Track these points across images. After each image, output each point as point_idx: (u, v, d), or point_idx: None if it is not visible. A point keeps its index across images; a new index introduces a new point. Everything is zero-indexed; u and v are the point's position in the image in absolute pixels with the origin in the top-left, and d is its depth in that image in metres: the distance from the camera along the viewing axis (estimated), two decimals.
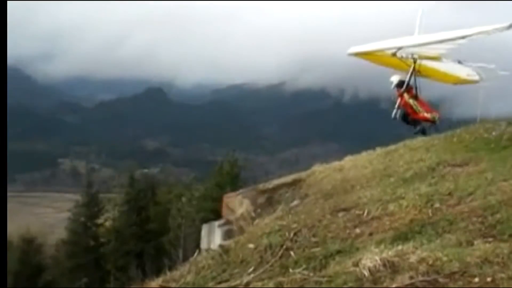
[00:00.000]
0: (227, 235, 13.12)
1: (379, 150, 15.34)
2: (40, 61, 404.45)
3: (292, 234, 8.00)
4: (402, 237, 7.12)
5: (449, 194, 8.88)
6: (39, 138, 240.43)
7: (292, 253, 7.04)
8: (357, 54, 16.13)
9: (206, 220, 20.49)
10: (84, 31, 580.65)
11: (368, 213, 8.76)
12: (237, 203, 14.69)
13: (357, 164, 14.56)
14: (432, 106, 16.22)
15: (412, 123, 16.00)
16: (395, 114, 15.55)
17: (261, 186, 15.58)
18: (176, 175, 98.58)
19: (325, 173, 14.67)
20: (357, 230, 7.98)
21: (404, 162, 12.75)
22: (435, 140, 14.61)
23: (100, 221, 46.01)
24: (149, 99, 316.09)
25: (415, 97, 15.57)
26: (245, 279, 6.11)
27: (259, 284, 5.77)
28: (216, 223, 15.11)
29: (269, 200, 13.95)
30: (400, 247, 6.21)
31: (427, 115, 15.61)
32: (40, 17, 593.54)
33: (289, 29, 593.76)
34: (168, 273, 8.23)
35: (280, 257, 6.91)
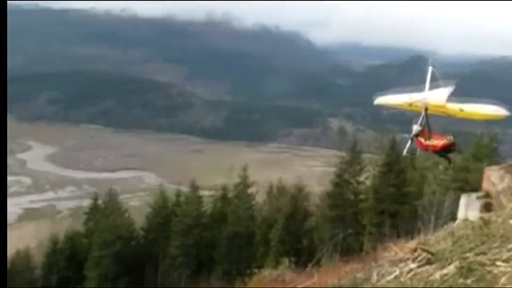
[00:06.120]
0: (485, 208, 12.41)
1: None
2: (318, 26, 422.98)
3: None
4: None
5: None
6: (313, 98, 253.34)
7: None
8: (383, 105, 17.99)
9: (460, 190, 19.65)
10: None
11: None
12: (498, 177, 13.71)
13: None
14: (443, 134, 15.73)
15: (444, 154, 16.09)
16: (407, 151, 16.56)
17: None
18: None
19: None
20: None
21: None
22: None
23: (361, 178, 47.00)
24: (415, 67, 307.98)
25: (428, 137, 15.61)
26: (505, 255, 5.72)
27: None
28: (475, 195, 14.33)
29: None
30: None
31: (444, 141, 15.20)
32: None
33: None
34: (423, 237, 8.14)
35: None
